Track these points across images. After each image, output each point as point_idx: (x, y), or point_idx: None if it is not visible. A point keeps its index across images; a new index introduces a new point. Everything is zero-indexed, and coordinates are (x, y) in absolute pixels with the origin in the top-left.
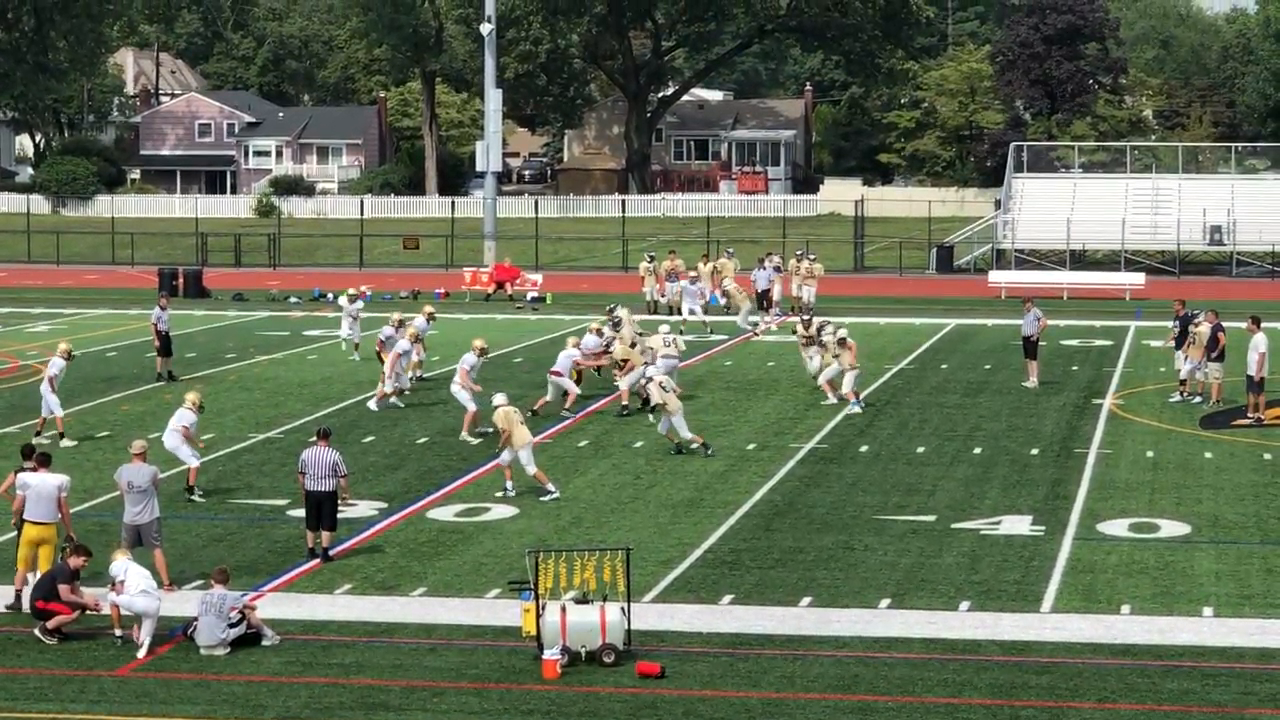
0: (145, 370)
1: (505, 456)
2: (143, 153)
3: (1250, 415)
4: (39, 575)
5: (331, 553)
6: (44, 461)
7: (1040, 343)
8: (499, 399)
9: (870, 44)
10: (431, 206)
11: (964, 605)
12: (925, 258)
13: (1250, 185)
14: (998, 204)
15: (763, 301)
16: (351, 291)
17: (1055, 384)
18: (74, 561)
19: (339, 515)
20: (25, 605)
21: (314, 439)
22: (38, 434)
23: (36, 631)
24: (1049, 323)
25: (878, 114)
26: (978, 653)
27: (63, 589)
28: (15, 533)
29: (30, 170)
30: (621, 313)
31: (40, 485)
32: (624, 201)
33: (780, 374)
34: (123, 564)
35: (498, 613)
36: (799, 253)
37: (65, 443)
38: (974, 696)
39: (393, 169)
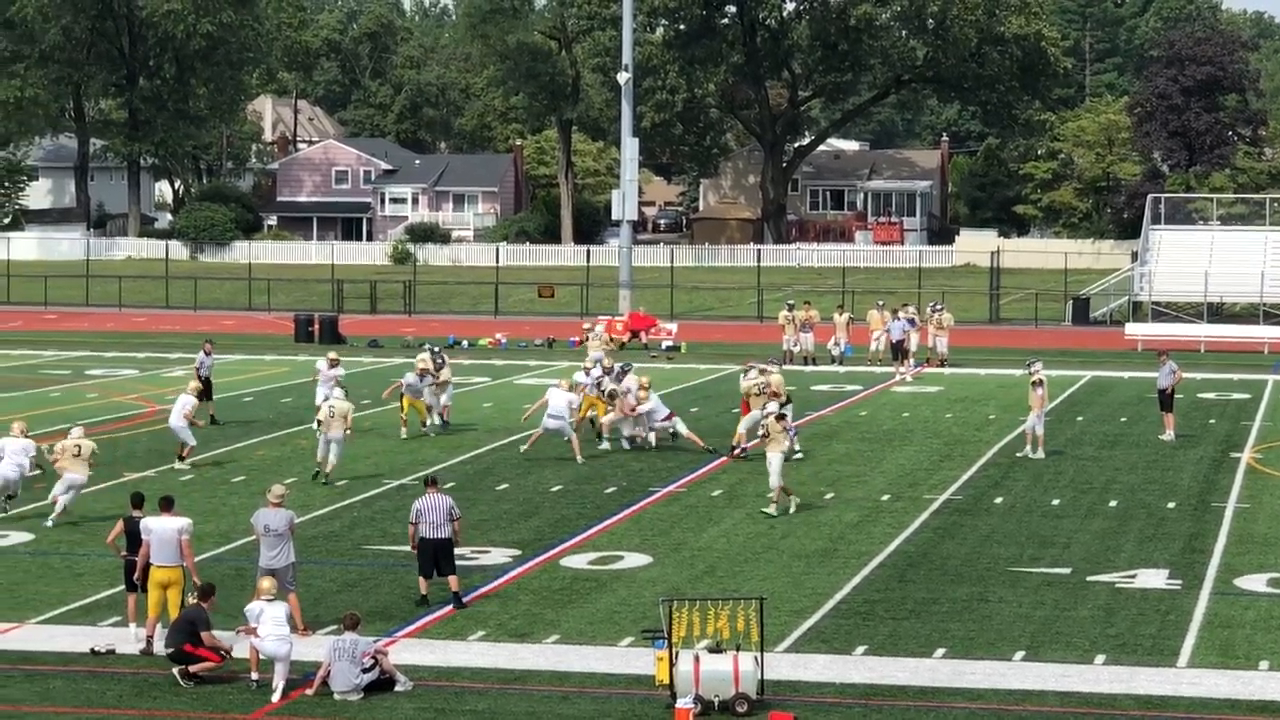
0: (281, 416)
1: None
2: (280, 199)
3: None
4: (172, 620)
5: (466, 599)
6: (167, 505)
7: (1176, 395)
8: (77, 431)
9: (1007, 95)
10: (567, 255)
11: (1099, 659)
12: (1061, 309)
13: None
14: (1134, 256)
15: (896, 352)
16: (332, 355)
17: (1192, 437)
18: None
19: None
20: (160, 648)
21: (426, 486)
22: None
23: (175, 673)
24: (1185, 376)
25: (1014, 165)
26: (1113, 707)
27: (205, 636)
28: (123, 581)
29: (169, 216)
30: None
31: (162, 530)
32: (759, 251)
33: (915, 424)
34: (258, 606)
35: (631, 661)
36: (933, 305)
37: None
38: None
39: (528, 217)
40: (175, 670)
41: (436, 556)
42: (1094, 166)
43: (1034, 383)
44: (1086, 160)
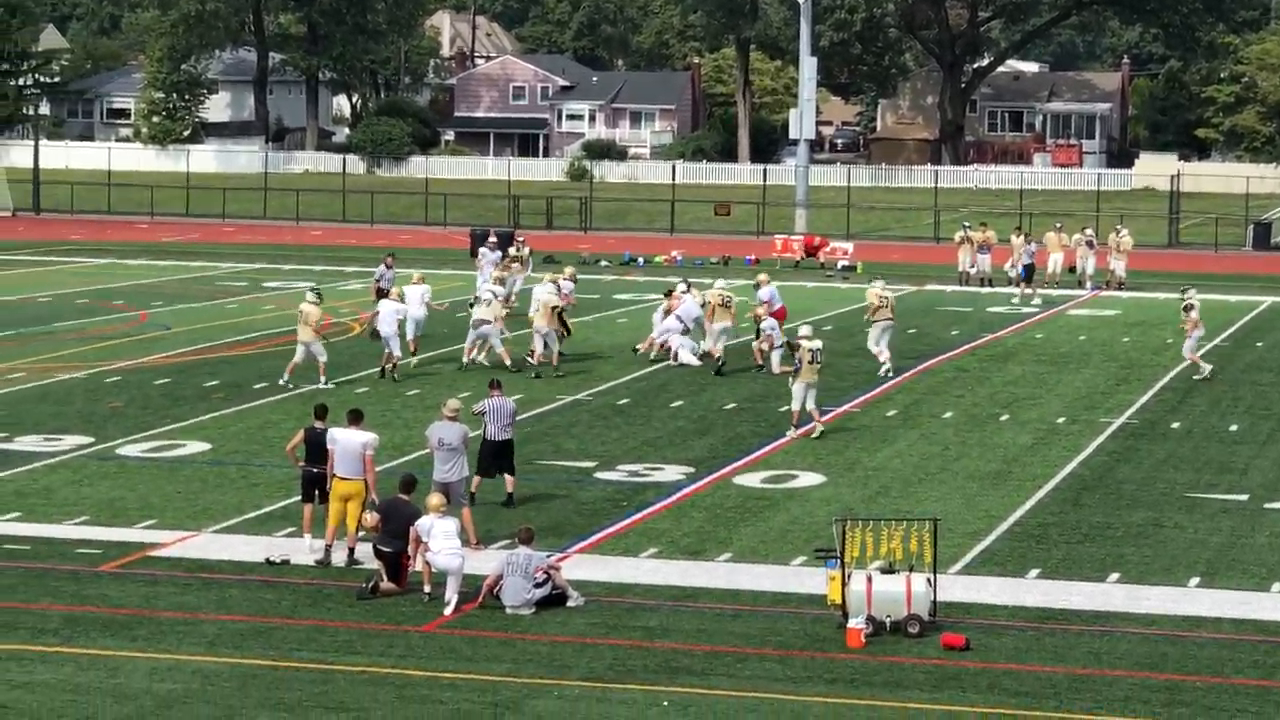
0: (455, 330)
1: None
2: (457, 114)
3: None
4: (370, 523)
5: (636, 516)
6: (355, 418)
7: None
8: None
9: (1190, 17)
10: (743, 173)
11: (1276, 586)
12: (1242, 234)
13: None
14: None
15: (1027, 274)
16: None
17: None
18: (369, 520)
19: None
20: (370, 546)
21: (490, 389)
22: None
23: (382, 568)
24: None
25: (1196, 88)
26: None
27: (412, 532)
28: (299, 491)
29: (347, 130)
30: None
31: (347, 442)
32: (936, 172)
33: (1092, 348)
34: (428, 521)
35: (803, 580)
36: (1103, 229)
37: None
38: None
39: (705, 135)
40: (381, 565)
41: (498, 457)
42: (1278, 90)
43: (1185, 307)
44: (1270, 83)
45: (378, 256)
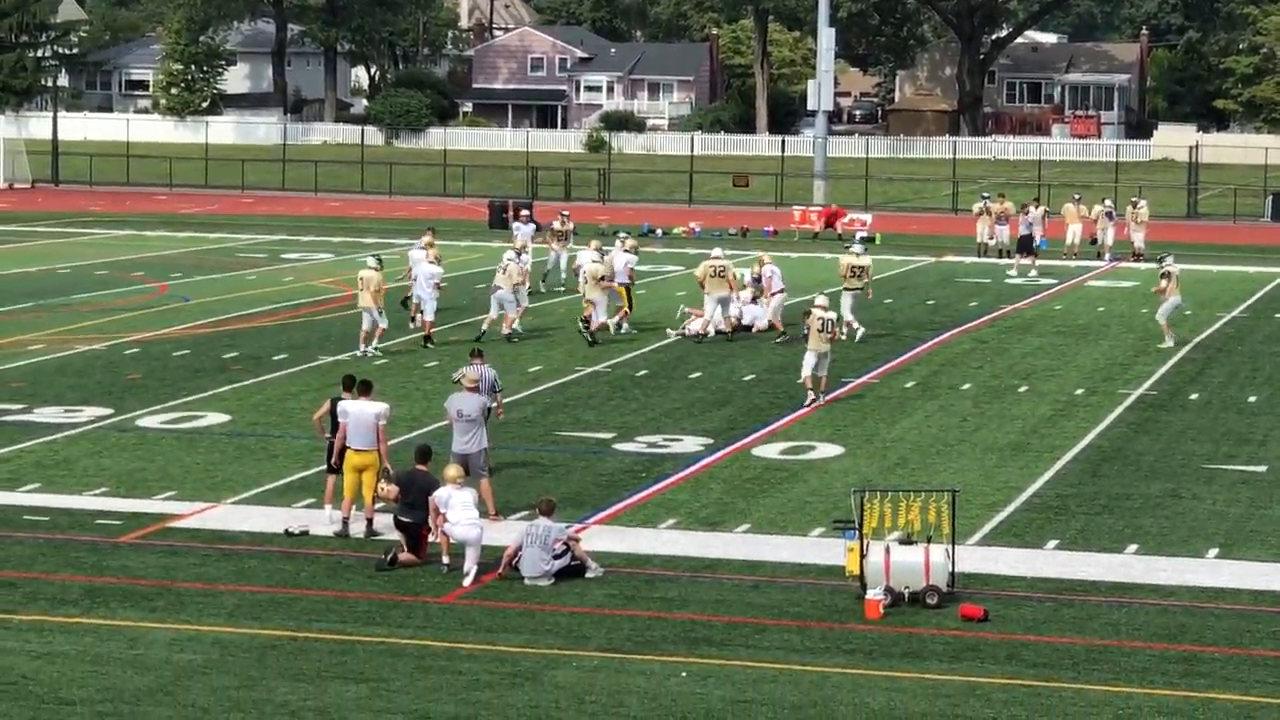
0: (474, 302)
1: None
2: (475, 86)
3: None
4: (393, 494)
5: (654, 487)
6: (365, 389)
7: None
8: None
9: None
10: (761, 145)
11: None
12: (1260, 205)
13: None
14: None
15: (1024, 247)
16: (426, 239)
17: None
18: (387, 491)
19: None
20: (390, 518)
21: (471, 357)
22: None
23: (402, 540)
24: None
25: (1215, 59)
26: None
27: (432, 501)
28: (325, 464)
29: (365, 102)
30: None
31: (359, 413)
32: (955, 143)
33: (1111, 319)
34: (446, 492)
35: (821, 551)
36: (1122, 200)
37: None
38: None
39: (723, 107)
40: (401, 537)
41: None
42: None
43: (1162, 275)
44: None
45: (396, 228)
